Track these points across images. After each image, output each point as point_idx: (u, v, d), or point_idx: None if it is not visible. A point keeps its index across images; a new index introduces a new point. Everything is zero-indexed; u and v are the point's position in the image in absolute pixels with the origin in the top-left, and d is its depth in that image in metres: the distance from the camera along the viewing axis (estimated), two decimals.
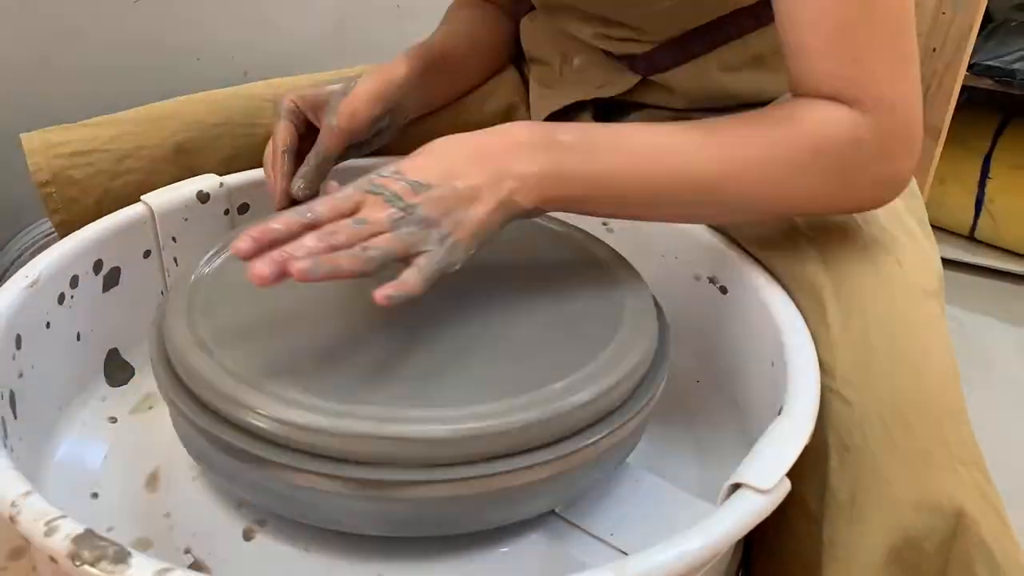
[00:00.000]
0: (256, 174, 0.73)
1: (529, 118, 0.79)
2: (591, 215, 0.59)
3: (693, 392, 0.68)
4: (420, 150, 0.53)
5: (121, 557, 0.39)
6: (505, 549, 0.53)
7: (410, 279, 0.48)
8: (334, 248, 0.47)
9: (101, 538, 0.39)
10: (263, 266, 0.45)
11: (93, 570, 0.38)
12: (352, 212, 0.50)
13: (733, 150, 0.54)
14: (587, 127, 0.56)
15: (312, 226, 0.49)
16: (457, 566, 0.51)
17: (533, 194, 0.52)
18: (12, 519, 0.41)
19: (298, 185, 0.65)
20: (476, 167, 0.51)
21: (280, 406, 0.47)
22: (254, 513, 0.54)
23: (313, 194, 0.65)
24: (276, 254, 0.46)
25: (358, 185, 0.51)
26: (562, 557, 0.52)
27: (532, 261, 0.62)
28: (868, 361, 0.53)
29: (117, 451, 0.61)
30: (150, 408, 0.65)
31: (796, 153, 0.54)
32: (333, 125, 0.65)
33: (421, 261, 0.49)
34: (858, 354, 0.54)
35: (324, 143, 0.66)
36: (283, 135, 0.66)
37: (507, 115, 0.81)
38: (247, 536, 0.53)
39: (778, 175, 0.54)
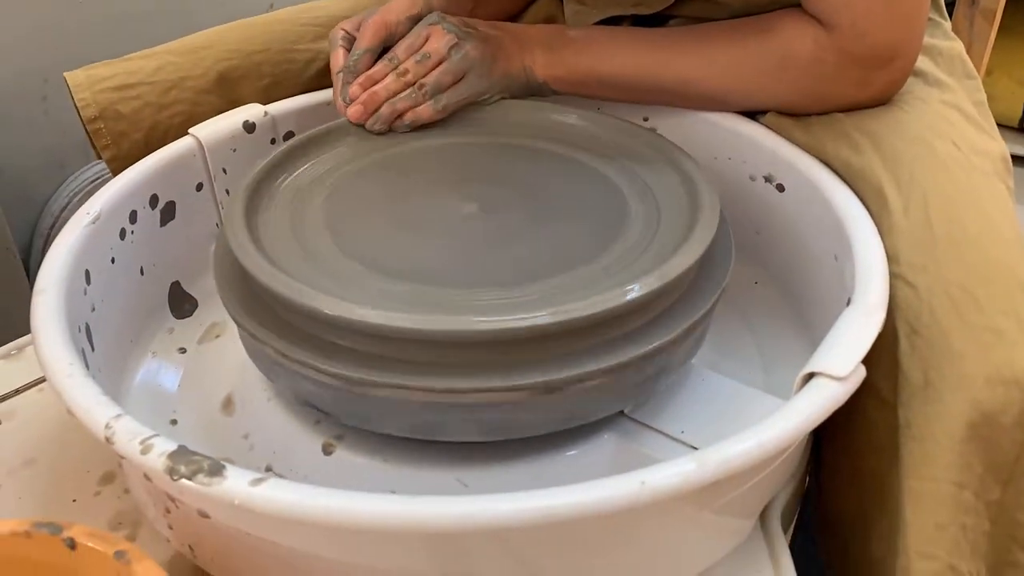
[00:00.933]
0: (298, 101, 0.73)
1: None
2: (592, 98, 0.69)
3: (751, 293, 0.67)
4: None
5: (216, 470, 0.40)
6: (577, 450, 0.54)
7: (424, 111, 0.64)
8: (407, 85, 0.64)
9: (195, 453, 0.41)
10: (356, 112, 0.64)
11: (190, 483, 0.40)
12: (423, 43, 0.64)
13: (709, 54, 0.64)
14: (593, 29, 0.68)
15: (395, 68, 0.64)
16: (532, 467, 0.53)
17: (542, 71, 0.66)
18: (108, 440, 0.42)
19: (345, 91, 0.65)
20: (509, 38, 0.67)
21: (358, 309, 0.47)
22: (331, 428, 0.55)
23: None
24: (364, 96, 0.64)
25: (427, 19, 0.66)
26: (634, 454, 0.53)
27: (607, 156, 0.63)
28: (932, 242, 0.52)
29: (189, 379, 0.62)
30: (216, 337, 0.66)
31: (763, 62, 0.62)
32: (368, 20, 0.66)
33: (450, 91, 0.64)
34: (921, 237, 0.53)
35: (361, 35, 0.66)
36: (338, 61, 0.67)
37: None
38: (326, 451, 0.54)
39: (747, 79, 0.63)
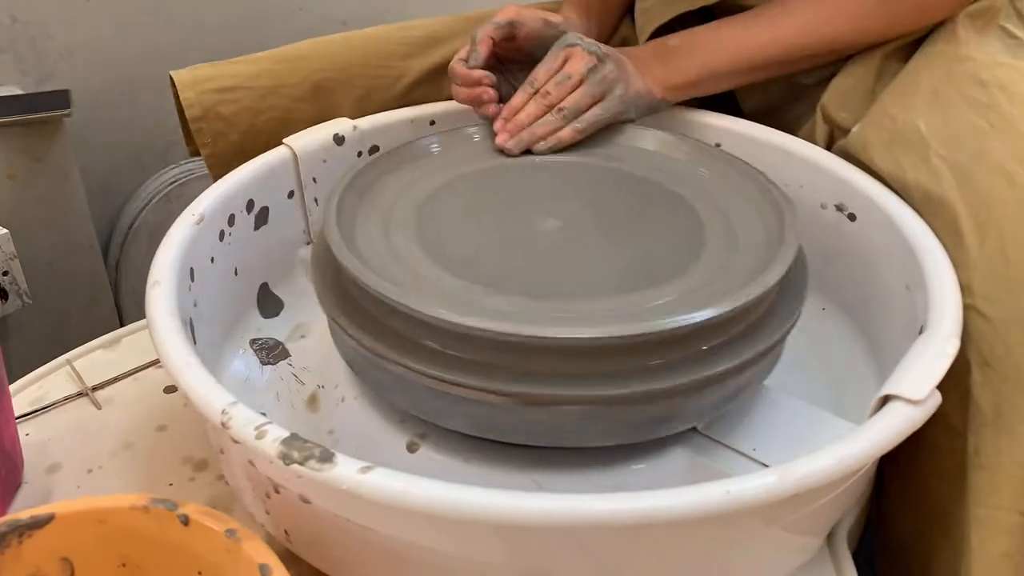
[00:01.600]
0: (385, 117, 0.76)
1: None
2: (707, 94, 0.72)
3: (819, 319, 0.69)
4: None
5: (327, 457, 0.43)
6: (650, 462, 0.56)
7: (566, 133, 0.66)
8: (548, 108, 0.66)
9: (306, 441, 0.44)
10: (502, 140, 0.67)
11: (302, 468, 0.43)
12: (562, 65, 0.66)
13: (804, 15, 0.67)
14: (691, 31, 0.71)
15: (537, 91, 0.67)
16: (608, 475, 0.55)
17: (659, 89, 0.69)
18: (224, 425, 0.45)
19: (474, 56, 0.68)
20: (630, 59, 0.69)
21: (457, 314, 0.50)
22: (416, 427, 0.58)
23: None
24: (511, 126, 0.67)
25: (563, 41, 0.68)
26: (706, 469, 0.55)
27: (694, 185, 0.66)
28: (1007, 276, 0.54)
29: (276, 376, 0.65)
30: (302, 337, 0.69)
31: (861, 4, 0.66)
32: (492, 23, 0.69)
33: (590, 112, 0.66)
34: (997, 270, 0.54)
35: (478, 38, 0.69)
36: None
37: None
38: (410, 449, 0.57)
39: (849, 26, 0.67)
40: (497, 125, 0.67)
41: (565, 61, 0.66)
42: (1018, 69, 0.63)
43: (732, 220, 0.61)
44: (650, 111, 0.70)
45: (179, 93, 0.75)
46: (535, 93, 0.67)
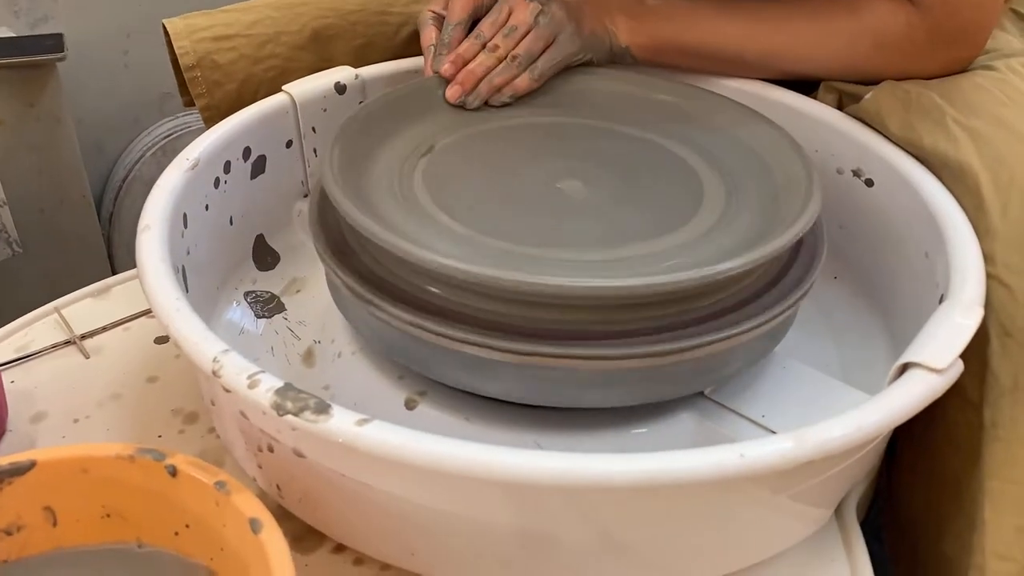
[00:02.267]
0: (388, 67, 0.73)
1: None
2: (671, 68, 0.69)
3: (831, 287, 0.67)
4: None
5: (323, 408, 0.41)
6: (655, 425, 0.54)
7: (521, 82, 0.65)
8: (499, 60, 0.64)
9: (301, 391, 0.42)
10: (455, 93, 0.65)
11: (297, 419, 0.41)
12: (507, 18, 0.64)
13: (794, 29, 0.65)
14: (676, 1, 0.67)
15: (484, 45, 0.65)
16: (611, 438, 0.53)
17: (624, 36, 0.67)
18: (215, 373, 0.43)
19: (439, 63, 0.66)
20: (589, 3, 0.67)
21: (461, 262, 0.48)
22: (415, 384, 0.56)
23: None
24: (461, 76, 0.64)
25: None
26: (713, 434, 0.53)
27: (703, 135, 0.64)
28: None
29: (271, 329, 0.63)
30: (297, 291, 0.67)
31: (854, 40, 0.63)
32: None
33: (544, 56, 0.65)
34: (1019, 239, 0.53)
35: (451, 10, 0.67)
36: (429, 37, 0.68)
37: None
38: (409, 406, 0.55)
39: (835, 57, 0.65)
40: (445, 68, 0.65)
41: (510, 13, 0.65)
42: None
43: (737, 174, 0.59)
44: (613, 58, 0.68)
45: (173, 41, 0.72)
46: (483, 47, 0.65)
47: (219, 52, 0.72)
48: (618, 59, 0.68)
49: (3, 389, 0.57)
